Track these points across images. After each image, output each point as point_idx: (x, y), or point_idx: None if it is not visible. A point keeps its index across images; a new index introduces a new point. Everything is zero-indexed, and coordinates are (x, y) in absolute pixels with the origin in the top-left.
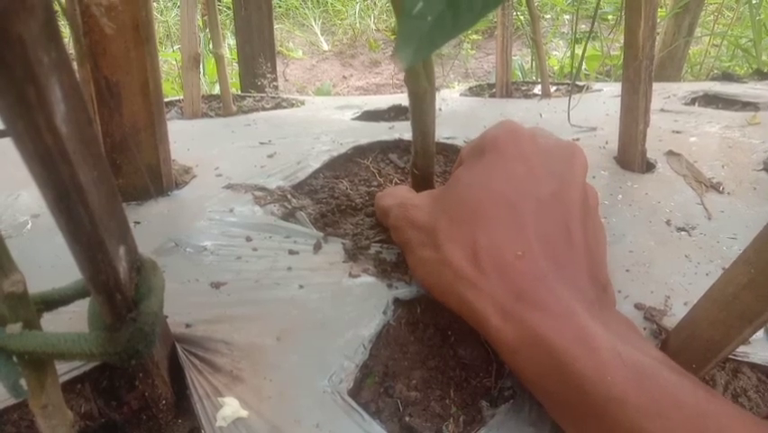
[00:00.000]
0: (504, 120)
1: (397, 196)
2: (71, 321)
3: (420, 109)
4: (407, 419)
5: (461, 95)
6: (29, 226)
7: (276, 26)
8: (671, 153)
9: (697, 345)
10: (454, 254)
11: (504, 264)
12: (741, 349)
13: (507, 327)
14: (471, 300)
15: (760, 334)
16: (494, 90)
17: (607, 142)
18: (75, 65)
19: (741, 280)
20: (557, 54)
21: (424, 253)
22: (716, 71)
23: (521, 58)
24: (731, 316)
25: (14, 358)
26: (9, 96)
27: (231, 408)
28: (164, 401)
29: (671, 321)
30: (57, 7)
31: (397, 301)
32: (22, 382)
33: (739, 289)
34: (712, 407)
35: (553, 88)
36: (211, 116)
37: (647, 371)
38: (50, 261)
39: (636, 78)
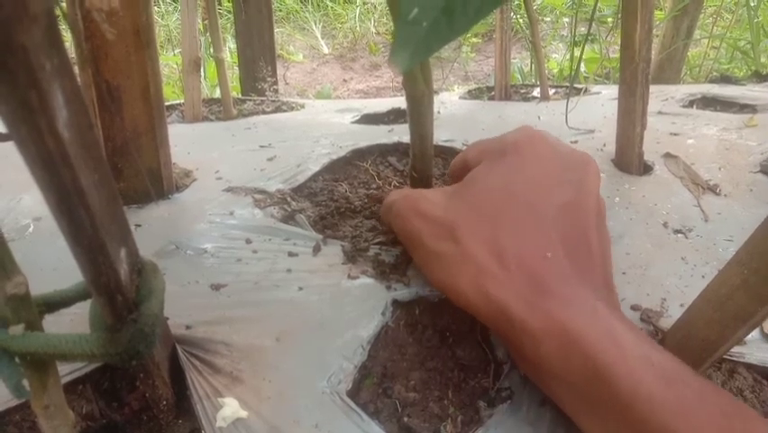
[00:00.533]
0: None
1: (401, 192)
2: (73, 323)
3: (418, 112)
4: (406, 419)
5: (459, 98)
6: (31, 229)
7: (276, 30)
8: (668, 156)
9: (693, 345)
10: (477, 250)
11: (529, 264)
12: (736, 349)
13: (532, 318)
14: (495, 293)
15: (755, 334)
16: (493, 93)
17: (604, 145)
18: (76, 69)
19: (734, 282)
20: (556, 57)
21: (438, 246)
22: (715, 73)
23: (520, 61)
24: (726, 316)
25: (17, 359)
26: (12, 101)
27: (231, 408)
28: (165, 402)
29: (667, 323)
30: (58, 12)
31: (395, 303)
32: (25, 382)
33: (733, 290)
34: (737, 409)
35: (551, 91)
36: (211, 120)
37: (675, 372)
38: (51, 263)
39: (633, 80)
